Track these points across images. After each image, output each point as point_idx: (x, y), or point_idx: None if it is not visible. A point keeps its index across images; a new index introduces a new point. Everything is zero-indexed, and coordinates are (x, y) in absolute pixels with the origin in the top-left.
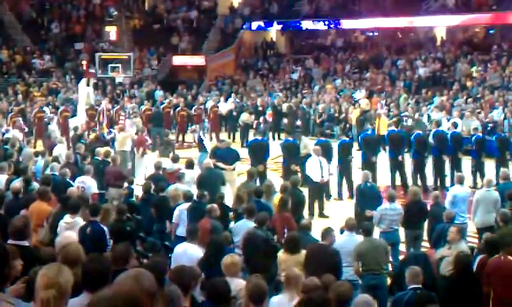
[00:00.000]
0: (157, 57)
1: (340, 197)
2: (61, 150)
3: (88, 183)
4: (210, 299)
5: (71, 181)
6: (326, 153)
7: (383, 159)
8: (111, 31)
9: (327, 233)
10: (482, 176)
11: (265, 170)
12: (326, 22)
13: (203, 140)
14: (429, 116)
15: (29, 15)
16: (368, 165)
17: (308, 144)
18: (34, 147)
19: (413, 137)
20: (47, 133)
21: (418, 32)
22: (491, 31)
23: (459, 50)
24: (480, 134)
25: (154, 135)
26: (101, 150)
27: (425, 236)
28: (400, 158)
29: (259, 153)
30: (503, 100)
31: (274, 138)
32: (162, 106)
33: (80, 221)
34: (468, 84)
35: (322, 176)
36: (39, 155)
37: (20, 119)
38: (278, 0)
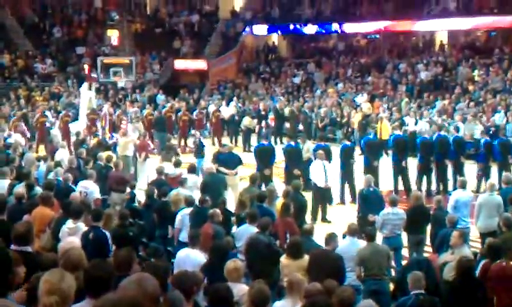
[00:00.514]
0: (159, 61)
1: (342, 201)
2: (63, 155)
3: (90, 188)
4: (213, 304)
5: (73, 186)
6: (326, 157)
7: (385, 164)
8: (113, 35)
9: (331, 238)
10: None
11: (272, 175)
12: (329, 27)
13: (203, 145)
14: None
15: (31, 19)
16: (371, 169)
17: (311, 148)
18: (37, 152)
19: (418, 140)
20: (49, 138)
21: (419, 36)
22: (492, 34)
23: (460, 54)
24: (488, 138)
25: (158, 140)
26: (103, 155)
27: (428, 241)
28: (403, 163)
29: (265, 157)
30: (505, 104)
31: (276, 142)
32: (163, 110)
33: (82, 227)
34: (470, 87)
35: (326, 181)
36: (41, 159)
37: (23, 123)
38: (279, 4)
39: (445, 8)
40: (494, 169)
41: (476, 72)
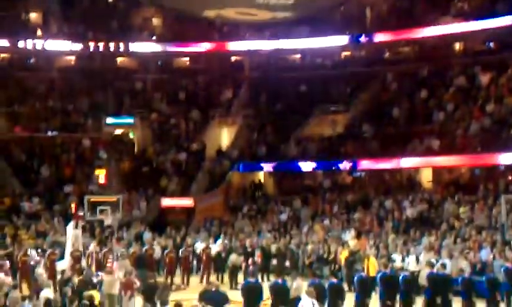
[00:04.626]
0: (146, 199)
1: None
2: (48, 294)
3: None
4: None
5: None
6: (319, 294)
7: (373, 300)
8: (100, 174)
9: None
10: None
11: None
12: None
13: None
14: (417, 257)
15: (19, 158)
16: None
17: (301, 286)
18: (20, 291)
19: (401, 278)
20: (34, 277)
21: (404, 173)
22: (476, 172)
23: (445, 191)
24: (466, 275)
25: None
26: (87, 294)
27: None
28: (389, 302)
29: (253, 295)
30: (491, 241)
31: (263, 279)
32: (144, 248)
33: None
34: (456, 224)
35: None
36: (26, 299)
37: (7, 262)
38: (265, 142)
39: (428, 146)
40: (482, 306)
41: (461, 209)
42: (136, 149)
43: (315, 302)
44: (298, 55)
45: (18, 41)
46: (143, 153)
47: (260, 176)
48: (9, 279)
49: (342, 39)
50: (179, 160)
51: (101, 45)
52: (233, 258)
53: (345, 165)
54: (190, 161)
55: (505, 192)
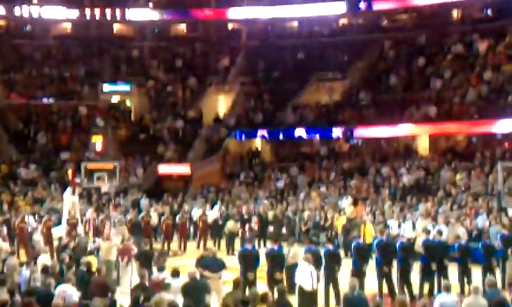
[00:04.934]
0: (143, 166)
1: (327, 305)
2: (46, 260)
3: (68, 292)
4: None
5: (54, 293)
6: (316, 261)
7: (370, 266)
8: (97, 141)
9: None
10: (470, 283)
11: (255, 279)
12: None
13: None
14: (413, 224)
15: (16, 125)
16: (359, 273)
17: (297, 253)
18: (18, 257)
19: (398, 244)
20: (31, 244)
21: (401, 140)
22: (473, 139)
23: (442, 158)
24: (463, 241)
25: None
26: (85, 260)
27: None
28: (386, 268)
29: (249, 261)
30: (487, 207)
31: (259, 246)
32: (141, 215)
33: None
34: (453, 191)
35: (313, 284)
36: (24, 265)
37: (4, 229)
38: (262, 109)
39: (425, 114)
40: (478, 272)
41: (458, 176)
42: (132, 117)
43: (312, 268)
44: (295, 23)
45: (14, 8)
46: (139, 121)
47: (257, 143)
48: (6, 246)
49: (340, 7)
50: (176, 127)
51: (97, 12)
52: (230, 224)
53: (338, 132)
54: (187, 128)
55: (502, 160)
